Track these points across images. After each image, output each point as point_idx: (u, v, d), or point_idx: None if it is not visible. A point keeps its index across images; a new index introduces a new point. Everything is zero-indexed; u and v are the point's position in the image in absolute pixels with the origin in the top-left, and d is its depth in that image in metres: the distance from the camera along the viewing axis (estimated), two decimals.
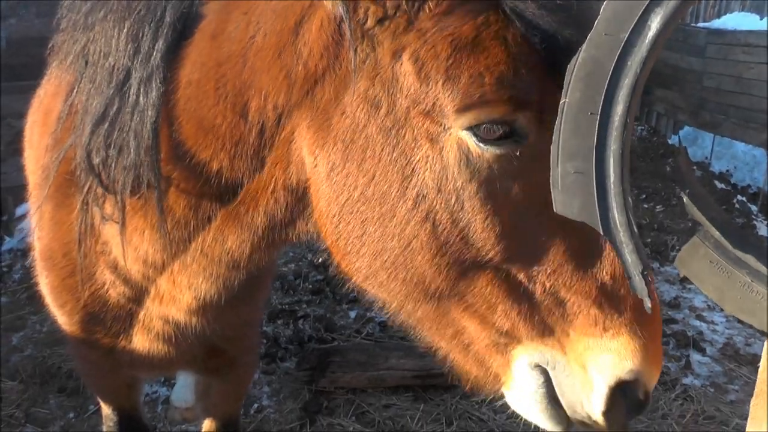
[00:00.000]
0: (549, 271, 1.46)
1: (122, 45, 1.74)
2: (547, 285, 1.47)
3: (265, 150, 1.72)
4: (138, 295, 2.17)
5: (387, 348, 4.90)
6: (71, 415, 4.39)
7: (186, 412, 4.14)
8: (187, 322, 2.19)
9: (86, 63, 1.83)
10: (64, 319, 2.39)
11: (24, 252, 6.20)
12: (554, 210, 1.17)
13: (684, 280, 6.35)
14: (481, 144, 1.42)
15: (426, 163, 1.47)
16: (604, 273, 1.43)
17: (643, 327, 1.45)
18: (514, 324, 1.51)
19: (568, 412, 1.57)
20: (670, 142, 10.10)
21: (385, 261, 1.57)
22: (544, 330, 1.50)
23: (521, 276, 1.49)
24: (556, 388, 1.55)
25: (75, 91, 1.87)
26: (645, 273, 1.10)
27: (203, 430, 3.23)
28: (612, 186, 1.11)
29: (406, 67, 1.47)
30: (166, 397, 4.53)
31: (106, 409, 3.06)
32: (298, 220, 1.79)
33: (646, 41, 1.13)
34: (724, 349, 5.43)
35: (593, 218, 1.11)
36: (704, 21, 10.36)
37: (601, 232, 1.11)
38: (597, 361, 1.46)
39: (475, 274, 1.51)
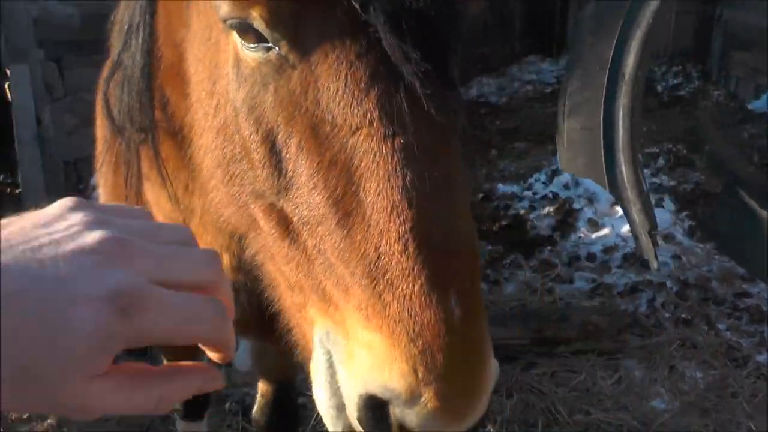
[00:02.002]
0: (315, 221, 1.20)
1: None
2: (316, 240, 1.20)
3: None
4: None
5: None
6: None
7: (248, 376, 4.27)
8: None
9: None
10: None
11: None
12: (559, 167, 1.14)
13: None
14: (244, 48, 1.27)
15: (222, 68, 1.37)
16: (369, 244, 1.10)
17: (433, 345, 1.04)
18: (296, 279, 1.29)
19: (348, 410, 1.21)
20: (750, 107, 9.63)
21: (205, 175, 1.51)
22: (324, 298, 1.23)
23: (295, 219, 1.25)
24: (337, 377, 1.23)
25: None
26: (653, 233, 1.05)
27: (258, 393, 3.30)
28: (620, 140, 1.07)
29: None
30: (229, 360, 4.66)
31: None
32: None
33: None
34: None
35: (599, 174, 1.08)
36: None
37: (607, 189, 1.07)
38: (357, 355, 1.13)
39: (261, 205, 1.33)
